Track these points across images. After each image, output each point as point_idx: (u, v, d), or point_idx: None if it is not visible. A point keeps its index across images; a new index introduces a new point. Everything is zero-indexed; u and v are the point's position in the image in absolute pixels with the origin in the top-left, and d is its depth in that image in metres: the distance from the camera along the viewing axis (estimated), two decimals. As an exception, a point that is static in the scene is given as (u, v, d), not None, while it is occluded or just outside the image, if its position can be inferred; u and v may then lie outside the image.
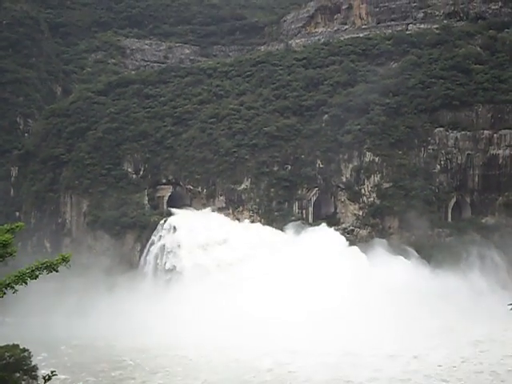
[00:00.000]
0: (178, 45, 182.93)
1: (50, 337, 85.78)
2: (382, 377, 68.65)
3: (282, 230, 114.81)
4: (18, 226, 13.14)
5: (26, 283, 12.87)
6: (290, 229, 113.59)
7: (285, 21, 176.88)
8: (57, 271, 13.11)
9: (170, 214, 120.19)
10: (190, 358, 79.42)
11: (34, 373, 42.97)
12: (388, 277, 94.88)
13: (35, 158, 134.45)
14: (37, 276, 12.99)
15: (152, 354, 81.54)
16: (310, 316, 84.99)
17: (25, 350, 44.34)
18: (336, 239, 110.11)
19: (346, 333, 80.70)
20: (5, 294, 12.92)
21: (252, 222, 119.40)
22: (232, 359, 76.34)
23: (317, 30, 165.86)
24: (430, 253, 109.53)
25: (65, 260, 13.02)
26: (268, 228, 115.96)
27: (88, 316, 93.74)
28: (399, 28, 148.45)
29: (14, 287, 12.83)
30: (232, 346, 79.89)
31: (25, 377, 42.52)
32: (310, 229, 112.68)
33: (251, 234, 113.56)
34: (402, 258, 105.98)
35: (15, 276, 12.76)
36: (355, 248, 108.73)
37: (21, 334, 63.85)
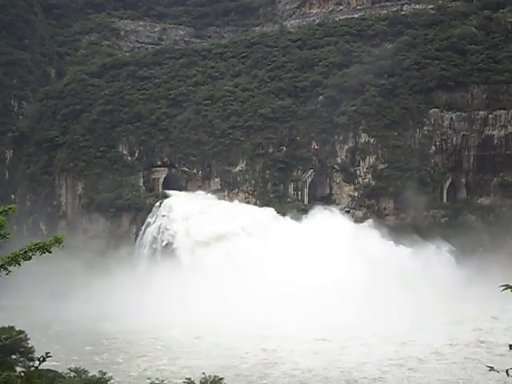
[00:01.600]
0: (172, 26, 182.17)
1: (42, 319, 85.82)
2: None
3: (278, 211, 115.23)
4: (10, 208, 13.06)
5: (20, 264, 12.81)
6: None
7: (279, 2, 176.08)
8: (50, 252, 13.04)
9: (165, 196, 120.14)
10: (177, 340, 79.25)
11: (30, 355, 42.96)
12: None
13: (30, 140, 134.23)
14: (30, 257, 12.94)
15: (141, 337, 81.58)
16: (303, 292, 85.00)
17: (21, 332, 44.30)
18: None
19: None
20: (-1, 275, 12.87)
21: (247, 203, 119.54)
22: (220, 342, 76.11)
23: (311, 10, 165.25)
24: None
25: (58, 241, 12.95)
26: (266, 208, 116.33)
27: (82, 299, 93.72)
28: (394, 8, 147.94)
29: (7, 268, 12.78)
30: (224, 327, 79.91)
31: (21, 359, 42.53)
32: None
33: (246, 214, 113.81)
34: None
35: (8, 257, 12.72)
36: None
37: (14, 317, 63.83)
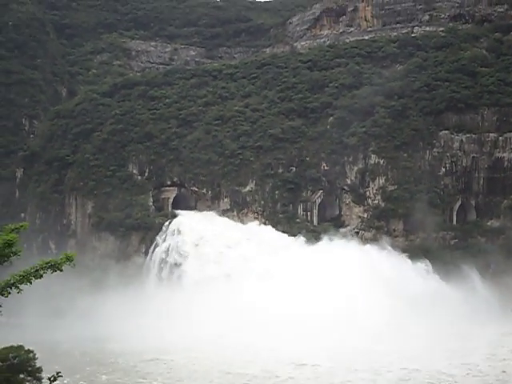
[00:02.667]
0: (183, 46, 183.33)
1: (51, 338, 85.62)
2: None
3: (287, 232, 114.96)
4: (22, 226, 13.12)
5: (31, 283, 12.85)
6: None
7: (290, 23, 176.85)
8: (61, 270, 13.08)
9: (174, 216, 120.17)
10: (177, 362, 78.85)
11: (38, 374, 42.85)
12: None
13: (40, 159, 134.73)
14: (41, 275, 12.98)
15: (147, 358, 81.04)
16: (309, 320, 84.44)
17: (30, 351, 44.22)
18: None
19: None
20: (9, 293, 12.89)
21: (259, 224, 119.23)
22: (223, 367, 75.34)
23: (322, 32, 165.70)
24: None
25: (69, 259, 13.00)
26: (275, 231, 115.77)
27: (89, 318, 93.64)
28: (405, 30, 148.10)
29: (18, 287, 12.81)
30: (227, 353, 79.54)
31: (29, 378, 42.41)
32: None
33: (258, 237, 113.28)
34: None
35: (20, 275, 12.76)
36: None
37: (23, 336, 63.77)
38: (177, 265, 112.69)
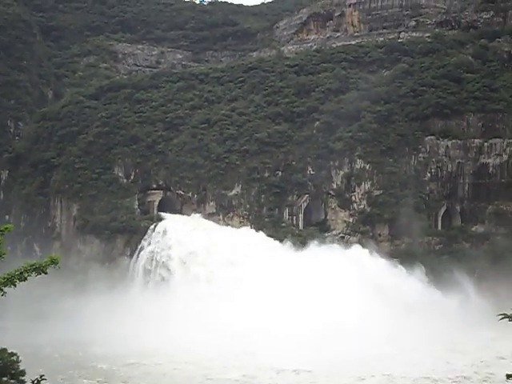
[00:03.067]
0: (170, 50, 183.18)
1: (34, 342, 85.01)
2: None
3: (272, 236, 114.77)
4: (6, 228, 13.03)
5: (15, 285, 12.76)
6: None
7: (277, 27, 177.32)
8: (46, 273, 12.99)
9: (160, 219, 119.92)
10: (163, 368, 78.43)
11: (21, 377, 42.63)
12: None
13: (25, 161, 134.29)
14: (25, 278, 12.88)
15: (128, 362, 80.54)
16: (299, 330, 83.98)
17: (13, 354, 43.96)
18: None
19: None
20: (-6, 296, 12.80)
21: (246, 228, 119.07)
22: (201, 374, 75.12)
23: (309, 36, 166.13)
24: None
25: (54, 262, 12.91)
26: (261, 234, 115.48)
27: (72, 321, 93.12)
28: (391, 36, 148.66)
29: (2, 289, 12.72)
30: (207, 358, 79.25)
31: (12, 381, 42.18)
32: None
33: (242, 240, 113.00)
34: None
35: (3, 278, 12.67)
36: None
37: (5, 339, 63.41)
38: (161, 268, 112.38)
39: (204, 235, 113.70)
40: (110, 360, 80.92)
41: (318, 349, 76.59)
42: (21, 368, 42.84)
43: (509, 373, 10.77)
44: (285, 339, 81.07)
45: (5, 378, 41.77)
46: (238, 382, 70.56)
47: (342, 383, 67.49)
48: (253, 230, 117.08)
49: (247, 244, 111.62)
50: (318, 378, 70.01)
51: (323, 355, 75.05)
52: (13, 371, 42.56)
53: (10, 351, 43.82)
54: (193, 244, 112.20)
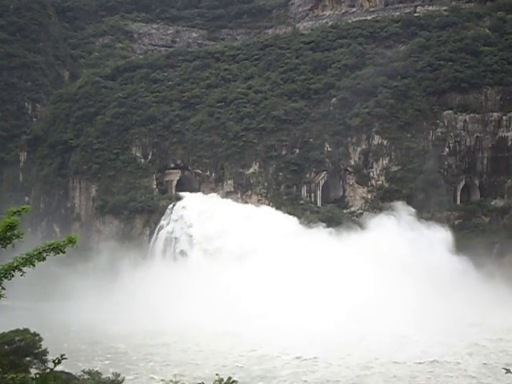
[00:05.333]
0: (185, 29, 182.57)
1: (55, 322, 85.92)
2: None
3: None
4: (24, 209, 13.10)
5: (34, 265, 12.85)
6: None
7: (292, 4, 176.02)
8: (64, 252, 13.06)
9: (178, 199, 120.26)
10: (179, 346, 79.02)
11: (44, 357, 43.08)
12: None
13: (43, 142, 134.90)
14: (44, 258, 12.96)
15: (147, 341, 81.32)
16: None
17: (35, 334, 44.48)
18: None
19: None
20: (13, 276, 12.91)
21: (261, 204, 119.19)
22: (220, 351, 75.14)
23: (324, 12, 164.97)
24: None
25: (71, 241, 12.97)
26: (280, 213, 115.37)
27: (93, 301, 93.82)
28: (407, 10, 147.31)
29: (21, 269, 12.82)
30: (226, 337, 79.73)
31: (35, 361, 42.65)
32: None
33: (262, 220, 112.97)
34: None
35: (22, 258, 12.76)
36: None
37: (24, 318, 64.20)
38: (181, 247, 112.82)
39: (223, 214, 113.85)
40: (129, 339, 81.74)
41: (332, 334, 76.86)
42: (43, 347, 43.36)
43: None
44: (302, 321, 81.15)
45: (28, 358, 42.24)
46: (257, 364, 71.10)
47: (342, 371, 67.03)
48: (272, 208, 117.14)
49: (266, 222, 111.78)
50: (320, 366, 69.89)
51: (333, 341, 75.41)
52: (35, 351, 43.04)
53: (32, 331, 44.30)
54: (212, 222, 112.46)
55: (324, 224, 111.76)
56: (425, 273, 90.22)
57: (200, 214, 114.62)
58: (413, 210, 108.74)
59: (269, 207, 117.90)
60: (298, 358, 71.79)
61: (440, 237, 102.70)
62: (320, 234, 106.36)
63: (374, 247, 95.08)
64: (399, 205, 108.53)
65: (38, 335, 44.33)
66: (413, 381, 62.60)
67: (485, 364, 67.26)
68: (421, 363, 67.69)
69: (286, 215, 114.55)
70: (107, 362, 70.22)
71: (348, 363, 68.63)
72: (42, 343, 43.48)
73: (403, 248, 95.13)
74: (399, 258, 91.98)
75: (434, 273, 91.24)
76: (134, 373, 62.52)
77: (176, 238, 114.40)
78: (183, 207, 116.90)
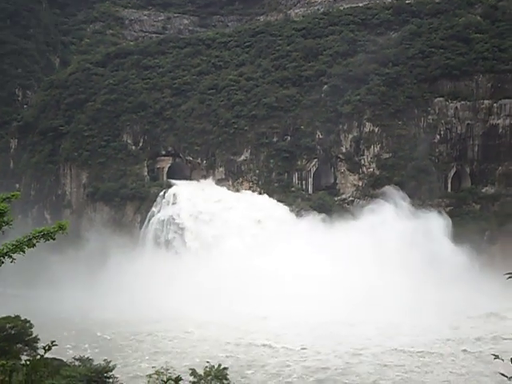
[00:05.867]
0: (176, 15, 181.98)
1: (46, 309, 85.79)
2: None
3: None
4: (13, 195, 13.09)
5: (24, 252, 12.84)
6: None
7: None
8: (54, 239, 13.07)
9: (169, 186, 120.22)
10: (167, 334, 79.15)
11: (35, 344, 43.19)
12: None
13: (34, 129, 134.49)
14: (34, 244, 12.96)
15: (135, 328, 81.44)
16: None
17: (26, 321, 44.56)
18: None
19: None
20: (3, 263, 12.90)
21: (252, 192, 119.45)
22: (208, 340, 75.33)
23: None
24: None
25: (62, 228, 12.99)
26: (271, 200, 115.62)
27: (84, 288, 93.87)
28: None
29: (11, 256, 12.81)
30: (214, 325, 79.91)
31: (26, 347, 42.75)
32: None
33: (254, 206, 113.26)
34: None
35: (12, 245, 12.75)
36: None
37: (19, 306, 64.08)
38: (172, 234, 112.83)
39: (214, 200, 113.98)
40: (118, 327, 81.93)
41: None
42: (33, 335, 43.41)
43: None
44: (291, 311, 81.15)
45: (19, 345, 42.31)
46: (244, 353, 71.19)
47: (331, 360, 66.93)
48: (264, 196, 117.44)
49: (258, 209, 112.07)
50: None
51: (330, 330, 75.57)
52: (26, 338, 43.11)
53: (23, 318, 44.34)
54: (203, 209, 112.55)
55: (315, 212, 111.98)
56: (424, 261, 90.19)
57: (191, 201, 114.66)
58: (407, 196, 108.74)
59: (258, 194, 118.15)
60: (284, 347, 71.65)
61: (439, 224, 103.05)
62: (313, 222, 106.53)
63: (371, 235, 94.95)
64: (393, 190, 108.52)
65: (29, 322, 44.39)
66: (401, 369, 62.83)
67: (474, 352, 67.47)
68: (411, 352, 67.80)
69: (278, 203, 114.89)
70: (96, 350, 70.16)
71: (337, 352, 68.71)
72: (32, 330, 43.54)
73: (401, 235, 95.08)
74: (397, 245, 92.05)
75: (434, 261, 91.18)
76: (122, 360, 62.44)
77: (167, 225, 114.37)
78: (174, 194, 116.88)
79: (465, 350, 68.65)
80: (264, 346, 72.39)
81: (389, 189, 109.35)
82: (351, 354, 67.76)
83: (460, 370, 61.87)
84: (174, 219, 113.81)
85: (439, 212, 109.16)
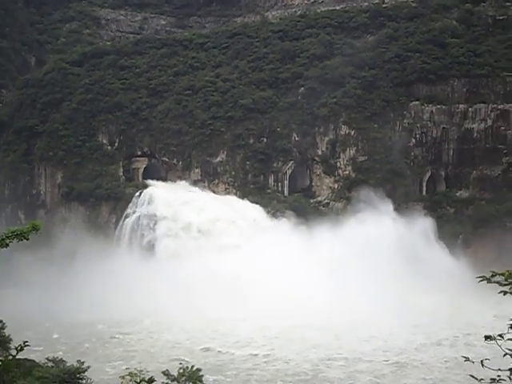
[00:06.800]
0: (153, 16, 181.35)
1: (18, 310, 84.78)
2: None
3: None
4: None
5: (-3, 252, 12.73)
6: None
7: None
8: (27, 239, 12.97)
9: (145, 186, 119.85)
10: (136, 336, 78.98)
11: (7, 344, 42.79)
12: None
13: (9, 128, 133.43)
14: (7, 244, 12.86)
15: (106, 329, 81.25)
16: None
17: (-2, 321, 44.17)
18: None
19: None
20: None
21: (228, 194, 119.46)
22: (177, 345, 74.71)
23: (293, 1, 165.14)
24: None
25: (35, 228, 12.88)
26: (246, 202, 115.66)
27: (58, 288, 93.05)
28: (376, 1, 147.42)
29: (-16, 256, 12.71)
30: (183, 328, 79.80)
31: (-2, 348, 42.35)
32: None
33: (228, 207, 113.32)
34: None
35: (-15, 245, 12.65)
36: None
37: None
38: (147, 235, 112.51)
39: (189, 202, 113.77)
40: (90, 328, 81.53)
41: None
42: (6, 334, 43.00)
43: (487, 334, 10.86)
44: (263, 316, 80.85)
45: (-10, 345, 41.91)
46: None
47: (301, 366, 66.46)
48: (237, 198, 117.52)
49: (233, 211, 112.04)
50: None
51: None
52: (-1, 338, 42.71)
53: (-5, 318, 43.94)
54: (178, 211, 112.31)
55: (292, 212, 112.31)
56: (410, 264, 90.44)
57: (166, 202, 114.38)
58: (387, 198, 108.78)
59: (234, 196, 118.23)
60: (252, 354, 70.74)
61: (424, 226, 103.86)
62: (290, 225, 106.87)
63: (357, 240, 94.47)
64: (371, 194, 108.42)
65: (1, 321, 44.00)
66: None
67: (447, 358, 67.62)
68: (386, 360, 67.41)
69: (253, 204, 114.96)
70: (66, 351, 69.44)
71: (308, 358, 68.33)
72: (4, 331, 43.15)
73: (388, 239, 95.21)
74: (384, 249, 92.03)
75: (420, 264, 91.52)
76: (92, 362, 62.09)
77: (142, 226, 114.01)
78: (150, 195, 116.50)
79: (439, 356, 68.48)
80: (233, 349, 71.87)
81: (367, 192, 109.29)
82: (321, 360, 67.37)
83: (433, 375, 61.80)
84: (149, 220, 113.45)
85: (424, 215, 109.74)
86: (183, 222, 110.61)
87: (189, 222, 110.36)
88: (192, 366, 30.34)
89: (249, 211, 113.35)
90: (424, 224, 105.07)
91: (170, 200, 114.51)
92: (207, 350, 71.78)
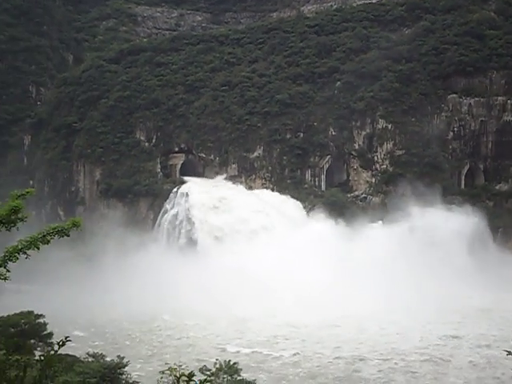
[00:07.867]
0: (189, 12, 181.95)
1: (59, 305, 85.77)
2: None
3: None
4: (28, 192, 13.17)
5: (39, 248, 12.92)
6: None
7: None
8: (68, 236, 13.14)
9: (182, 182, 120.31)
10: (167, 333, 79.21)
11: (49, 339, 43.31)
12: None
13: (48, 126, 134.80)
14: (48, 241, 13.03)
15: (148, 325, 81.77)
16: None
17: (40, 316, 44.71)
18: None
19: None
20: (17, 259, 12.98)
21: (265, 189, 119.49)
22: (204, 342, 74.54)
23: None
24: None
25: (76, 225, 13.04)
26: (283, 197, 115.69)
27: (97, 284, 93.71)
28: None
29: (26, 252, 12.89)
30: (217, 324, 79.91)
31: (40, 343, 42.86)
32: None
33: (265, 202, 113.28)
34: None
35: (27, 241, 12.83)
36: None
37: (30, 301, 64.25)
38: (185, 231, 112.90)
39: (226, 198, 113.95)
40: (127, 324, 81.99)
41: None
42: (48, 330, 43.55)
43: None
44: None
45: (33, 340, 42.45)
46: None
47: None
48: (276, 193, 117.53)
49: (271, 206, 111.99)
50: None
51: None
52: (40, 333, 43.26)
53: (36, 314, 44.51)
54: (215, 207, 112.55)
55: (329, 207, 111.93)
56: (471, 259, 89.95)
57: (203, 198, 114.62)
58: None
59: (272, 192, 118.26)
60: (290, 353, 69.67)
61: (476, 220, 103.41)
62: (328, 221, 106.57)
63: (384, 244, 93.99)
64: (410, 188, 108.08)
65: (43, 317, 44.54)
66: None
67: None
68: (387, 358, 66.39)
69: (290, 199, 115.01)
70: (105, 346, 70.09)
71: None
72: (47, 326, 43.69)
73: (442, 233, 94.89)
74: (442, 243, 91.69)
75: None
76: (131, 357, 62.56)
77: (180, 222, 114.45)
78: (187, 191, 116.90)
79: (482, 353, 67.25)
80: (262, 348, 71.43)
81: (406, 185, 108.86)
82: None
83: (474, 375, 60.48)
84: (186, 216, 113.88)
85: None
86: (220, 219, 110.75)
87: (225, 218, 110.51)
88: (229, 361, 30.52)
89: (286, 206, 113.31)
90: (475, 217, 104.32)
91: (206, 196, 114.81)
92: (237, 346, 71.66)
